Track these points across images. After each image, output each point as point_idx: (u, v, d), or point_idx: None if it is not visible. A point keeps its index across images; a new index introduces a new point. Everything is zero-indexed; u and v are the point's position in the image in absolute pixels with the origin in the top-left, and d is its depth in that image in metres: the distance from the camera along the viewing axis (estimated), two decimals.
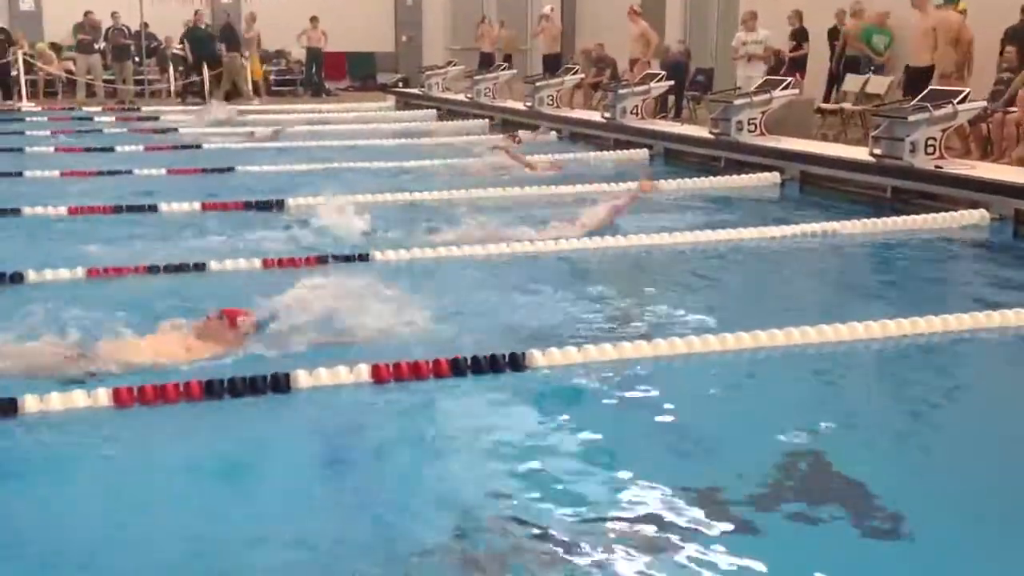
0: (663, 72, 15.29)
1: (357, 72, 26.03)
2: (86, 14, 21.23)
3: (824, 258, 7.85)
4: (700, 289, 6.81)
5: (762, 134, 11.88)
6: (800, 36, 15.45)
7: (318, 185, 8.99)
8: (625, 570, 3.19)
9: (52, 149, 13.57)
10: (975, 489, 3.88)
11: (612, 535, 3.40)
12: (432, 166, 11.97)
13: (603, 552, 3.28)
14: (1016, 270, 7.49)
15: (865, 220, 8.46)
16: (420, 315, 5.40)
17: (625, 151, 13.18)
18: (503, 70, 18.98)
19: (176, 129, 15.89)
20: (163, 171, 11.40)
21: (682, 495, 3.65)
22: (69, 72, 21.69)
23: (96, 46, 21.46)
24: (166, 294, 6.17)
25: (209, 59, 21.21)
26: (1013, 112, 10.93)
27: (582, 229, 7.93)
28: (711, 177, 11.08)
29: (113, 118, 17.91)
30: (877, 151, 9.91)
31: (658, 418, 4.46)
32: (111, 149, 13.38)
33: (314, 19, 22.63)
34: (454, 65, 20.83)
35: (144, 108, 19.60)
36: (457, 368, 4.80)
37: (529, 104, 16.39)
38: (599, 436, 4.27)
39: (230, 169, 11.60)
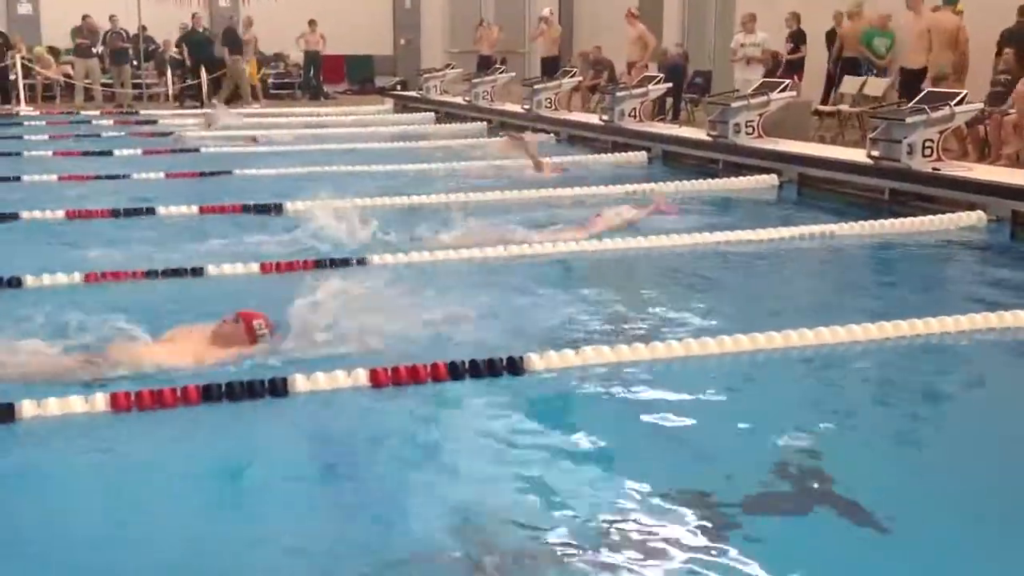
0: (661, 75, 15.30)
1: (355, 75, 26.06)
2: (84, 18, 21.26)
3: (822, 260, 7.86)
4: (698, 292, 6.81)
5: (760, 136, 11.89)
6: (798, 38, 15.46)
7: (316, 189, 8.99)
8: (624, 572, 3.19)
9: (50, 153, 13.57)
10: (975, 489, 3.88)
11: (610, 537, 3.40)
12: (430, 169, 11.98)
13: (601, 554, 3.28)
14: (1013, 271, 7.49)
15: (863, 222, 8.47)
16: (418, 319, 5.40)
17: (623, 154, 13.20)
18: (500, 72, 19.00)
19: (172, 133, 15.89)
20: (161, 175, 11.41)
21: (681, 497, 3.65)
22: (67, 76, 21.70)
23: (94, 50, 21.48)
24: (165, 298, 6.17)
25: (207, 62, 21.22)
26: (1011, 114, 10.94)
27: (598, 230, 7.98)
28: (709, 179, 11.10)
29: (111, 122, 17.92)
30: (875, 153, 9.92)
31: (656, 421, 4.46)
32: (109, 153, 13.39)
33: (312, 22, 22.64)
34: (452, 68, 20.86)
35: (142, 112, 19.61)
36: (455, 372, 4.79)
37: (527, 107, 16.40)
38: (597, 439, 4.26)
39: (228, 172, 11.61)
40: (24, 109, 19.69)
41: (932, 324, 5.57)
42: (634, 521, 3.51)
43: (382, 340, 5.12)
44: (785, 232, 8.12)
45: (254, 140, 14.80)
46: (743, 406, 4.75)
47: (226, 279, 6.70)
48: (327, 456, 4.22)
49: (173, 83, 21.86)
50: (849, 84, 14.55)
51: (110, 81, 21.60)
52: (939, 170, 9.45)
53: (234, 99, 20.83)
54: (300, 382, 4.60)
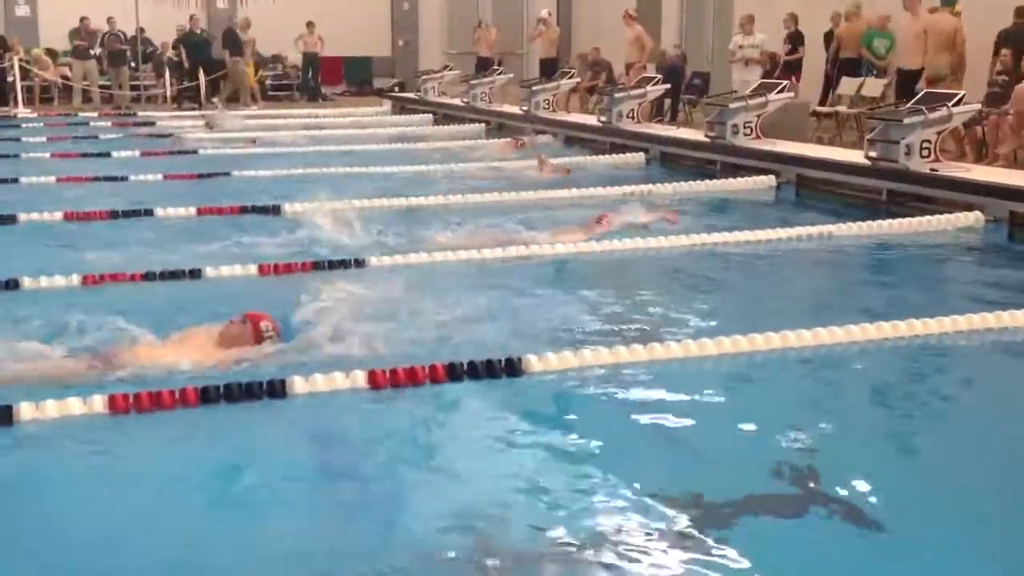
0: (659, 76, 15.30)
1: (353, 77, 26.06)
2: (82, 20, 21.24)
3: (820, 261, 7.86)
4: (696, 293, 6.81)
5: (758, 137, 11.90)
6: (796, 39, 15.47)
7: (315, 190, 8.99)
8: (623, 572, 3.19)
9: (48, 155, 13.56)
10: (973, 489, 3.89)
11: (608, 538, 3.40)
12: (428, 171, 11.98)
13: (601, 554, 3.28)
14: (1011, 271, 7.51)
15: (860, 223, 8.48)
16: (416, 320, 5.40)
17: (621, 155, 13.20)
18: (498, 74, 19.00)
19: (172, 134, 15.89)
20: (159, 176, 11.41)
21: (680, 498, 3.65)
22: (65, 78, 21.68)
23: (92, 52, 21.45)
24: (163, 300, 6.17)
25: (205, 64, 21.21)
26: (1009, 115, 10.95)
27: (599, 232, 8.00)
28: (707, 180, 11.10)
29: (109, 123, 17.91)
30: (872, 154, 9.93)
31: (655, 422, 4.46)
32: (107, 154, 13.38)
33: (310, 24, 22.62)
34: (450, 69, 20.85)
35: (140, 113, 19.60)
36: (453, 373, 4.79)
37: (525, 108, 16.41)
38: (595, 440, 4.26)
39: (226, 174, 11.61)
40: (22, 111, 19.67)
41: (930, 324, 5.58)
42: (633, 521, 3.51)
43: (381, 341, 5.13)
44: (783, 233, 8.13)
45: (253, 143, 14.80)
46: (742, 407, 4.75)
47: (224, 281, 6.70)
48: (326, 457, 4.22)
49: (171, 85, 21.85)
50: (847, 85, 14.56)
51: (108, 83, 21.58)
52: (937, 171, 9.46)
53: (232, 101, 20.82)
54: (298, 384, 4.60)
